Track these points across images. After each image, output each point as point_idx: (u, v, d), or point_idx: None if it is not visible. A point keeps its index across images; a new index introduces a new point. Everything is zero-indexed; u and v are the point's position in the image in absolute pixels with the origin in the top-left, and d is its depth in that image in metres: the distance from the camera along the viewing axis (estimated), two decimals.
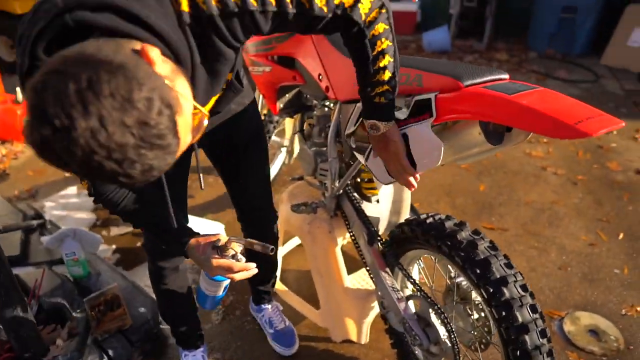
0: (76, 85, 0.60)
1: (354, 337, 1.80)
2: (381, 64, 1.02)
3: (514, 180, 2.93)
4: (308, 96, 1.85)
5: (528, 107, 0.85)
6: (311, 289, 1.89)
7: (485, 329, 1.33)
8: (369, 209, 1.60)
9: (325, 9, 0.90)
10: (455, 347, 1.24)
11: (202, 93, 0.96)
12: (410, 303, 1.40)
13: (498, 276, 1.12)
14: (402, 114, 1.12)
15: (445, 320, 1.27)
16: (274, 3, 0.86)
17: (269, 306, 1.86)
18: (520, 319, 1.08)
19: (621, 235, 2.37)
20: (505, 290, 1.11)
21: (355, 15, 0.93)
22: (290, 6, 0.87)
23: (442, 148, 1.04)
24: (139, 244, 2.38)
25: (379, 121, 1.08)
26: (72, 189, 2.92)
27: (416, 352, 1.56)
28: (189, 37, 0.83)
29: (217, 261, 1.04)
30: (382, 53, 1.01)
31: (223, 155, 1.47)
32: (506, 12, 5.90)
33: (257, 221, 1.63)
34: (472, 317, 1.35)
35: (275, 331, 1.81)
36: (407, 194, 1.64)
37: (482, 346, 1.33)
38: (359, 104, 1.30)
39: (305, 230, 1.75)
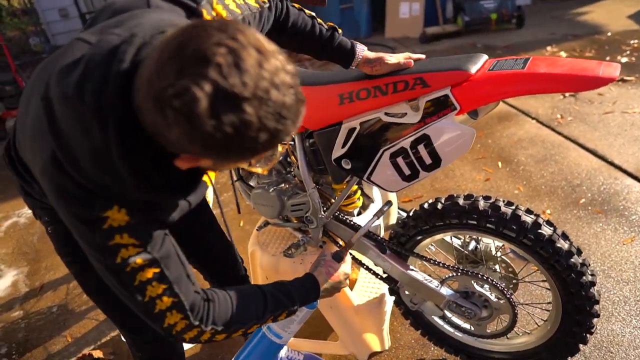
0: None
1: (378, 348, 1.81)
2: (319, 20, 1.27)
3: None
4: None
5: (552, 74, 1.00)
6: (308, 327, 1.83)
7: (510, 274, 1.52)
8: (364, 221, 1.62)
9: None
10: (511, 297, 1.38)
11: None
12: (445, 286, 1.49)
13: (530, 223, 1.29)
14: (413, 118, 1.19)
15: (492, 281, 1.39)
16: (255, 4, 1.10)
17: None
18: (564, 248, 1.27)
19: (500, 164, 2.87)
20: (542, 231, 1.28)
21: None
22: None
23: (474, 134, 1.14)
24: None
25: (358, 51, 1.28)
26: None
27: (450, 329, 1.66)
28: None
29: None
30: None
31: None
32: None
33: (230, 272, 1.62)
34: (497, 269, 1.51)
35: None
36: (393, 196, 1.71)
37: (512, 289, 1.51)
38: (345, 125, 1.32)
39: (300, 271, 1.68)
